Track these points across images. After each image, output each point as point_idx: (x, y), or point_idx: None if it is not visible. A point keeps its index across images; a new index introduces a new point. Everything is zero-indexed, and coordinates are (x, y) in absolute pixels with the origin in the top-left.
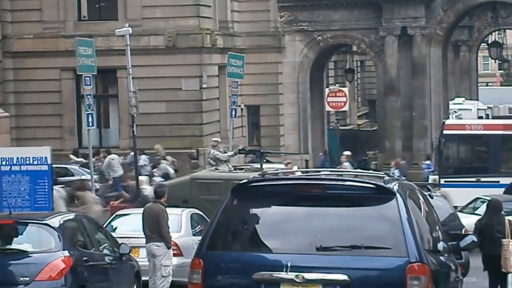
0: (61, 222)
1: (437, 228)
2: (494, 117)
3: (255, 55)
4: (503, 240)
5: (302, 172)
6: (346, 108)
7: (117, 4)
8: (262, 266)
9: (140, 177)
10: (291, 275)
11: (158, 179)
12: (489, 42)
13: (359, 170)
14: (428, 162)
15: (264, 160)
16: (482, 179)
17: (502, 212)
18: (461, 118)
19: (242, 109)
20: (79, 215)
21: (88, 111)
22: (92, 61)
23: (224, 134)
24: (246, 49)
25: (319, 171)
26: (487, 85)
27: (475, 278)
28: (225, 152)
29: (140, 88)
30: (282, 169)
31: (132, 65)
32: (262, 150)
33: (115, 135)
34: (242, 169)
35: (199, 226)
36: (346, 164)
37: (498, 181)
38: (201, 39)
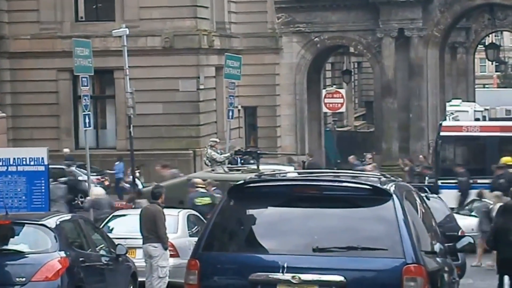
0: (58, 222)
1: (434, 229)
2: (491, 119)
3: (252, 56)
4: None
5: (298, 173)
6: (343, 109)
7: (114, 5)
8: (258, 267)
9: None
10: (287, 276)
11: None
12: (486, 44)
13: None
14: (118, 162)
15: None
16: (479, 181)
17: None
18: (458, 120)
19: (239, 110)
20: (76, 216)
21: (85, 112)
22: (89, 62)
23: (221, 135)
24: (243, 50)
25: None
26: (484, 87)
27: (471, 279)
28: (222, 154)
29: (137, 89)
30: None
31: (129, 66)
32: (258, 152)
33: (112, 136)
34: (238, 170)
35: (195, 227)
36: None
37: None
38: (198, 40)
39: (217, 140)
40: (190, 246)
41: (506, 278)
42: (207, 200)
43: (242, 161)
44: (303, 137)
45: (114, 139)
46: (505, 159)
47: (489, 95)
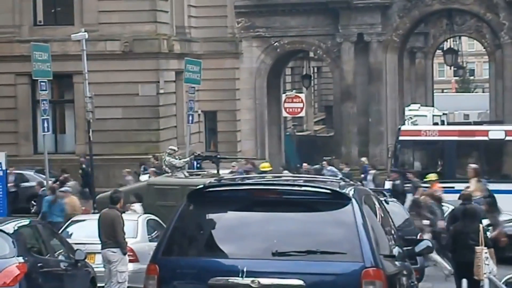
0: (16, 228)
1: (393, 233)
2: (449, 123)
3: (212, 60)
4: (477, 247)
5: (258, 177)
6: (302, 114)
7: (73, 9)
8: (218, 271)
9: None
10: (247, 280)
11: None
12: (445, 49)
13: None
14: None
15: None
16: (437, 185)
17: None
18: (416, 124)
19: (199, 114)
20: (34, 221)
21: (43, 116)
22: (48, 66)
23: (181, 140)
24: (203, 55)
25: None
26: (442, 92)
27: (430, 283)
28: (181, 159)
29: (96, 94)
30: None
31: (88, 70)
32: (218, 156)
33: (71, 141)
34: (198, 174)
35: (155, 232)
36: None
37: (453, 187)
38: (158, 44)
39: (176, 148)
40: (150, 251)
41: (464, 282)
42: None
43: (198, 165)
44: (263, 142)
45: (73, 144)
46: (263, 165)
47: (448, 100)
